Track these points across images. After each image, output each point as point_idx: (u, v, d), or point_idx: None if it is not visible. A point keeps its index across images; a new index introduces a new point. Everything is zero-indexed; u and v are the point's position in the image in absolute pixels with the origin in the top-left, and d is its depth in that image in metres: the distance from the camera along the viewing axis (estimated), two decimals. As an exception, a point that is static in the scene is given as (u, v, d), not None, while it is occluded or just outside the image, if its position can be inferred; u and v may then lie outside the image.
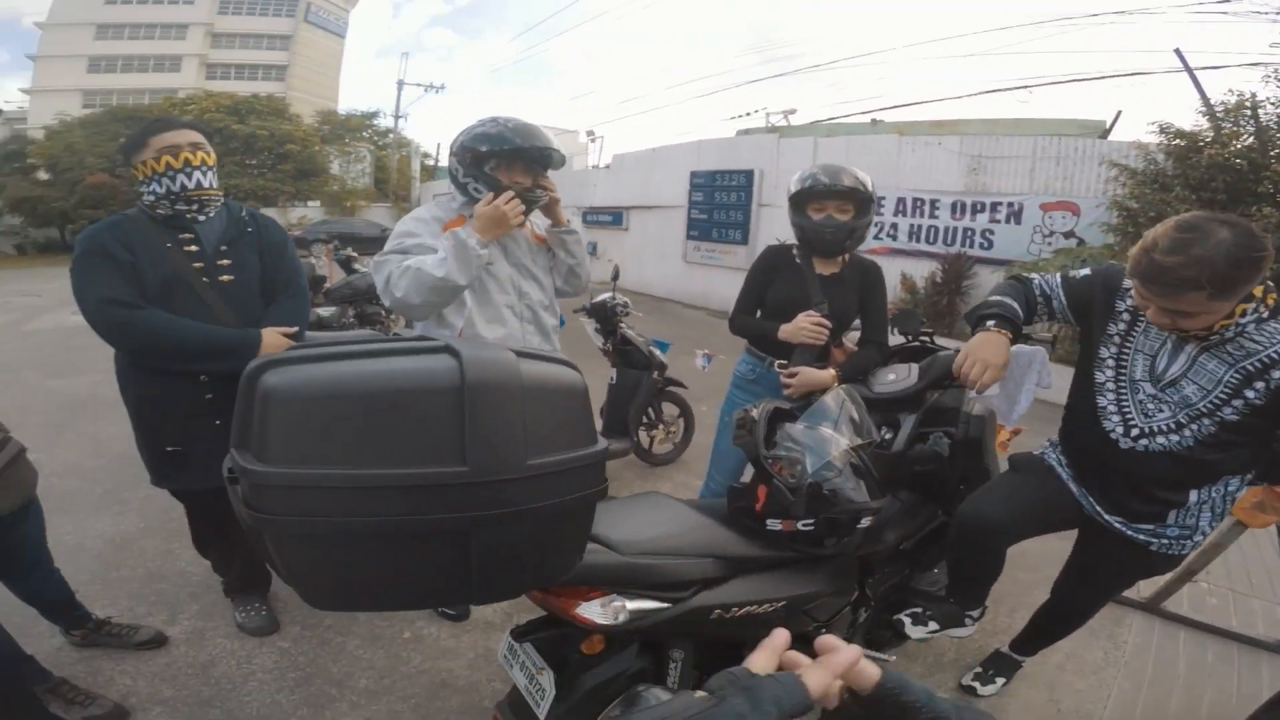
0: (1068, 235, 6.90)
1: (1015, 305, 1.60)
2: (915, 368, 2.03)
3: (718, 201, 10.91)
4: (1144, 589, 2.55)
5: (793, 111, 13.47)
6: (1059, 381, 1.73)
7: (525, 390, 0.84)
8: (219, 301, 1.84)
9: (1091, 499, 1.65)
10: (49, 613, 1.98)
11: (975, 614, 2.01)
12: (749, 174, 10.35)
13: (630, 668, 1.39)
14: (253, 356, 1.77)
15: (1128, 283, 1.49)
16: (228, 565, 2.22)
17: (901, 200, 8.38)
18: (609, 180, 13.81)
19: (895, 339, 2.29)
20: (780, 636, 0.61)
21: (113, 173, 16.30)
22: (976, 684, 2.06)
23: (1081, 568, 1.81)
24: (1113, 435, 1.52)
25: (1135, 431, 1.49)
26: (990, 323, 1.57)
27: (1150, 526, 1.57)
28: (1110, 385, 1.54)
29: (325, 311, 5.00)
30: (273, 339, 1.86)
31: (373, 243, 12.17)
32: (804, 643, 1.63)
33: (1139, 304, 1.41)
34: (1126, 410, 1.51)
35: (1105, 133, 7.58)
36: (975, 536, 1.73)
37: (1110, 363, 1.54)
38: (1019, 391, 1.86)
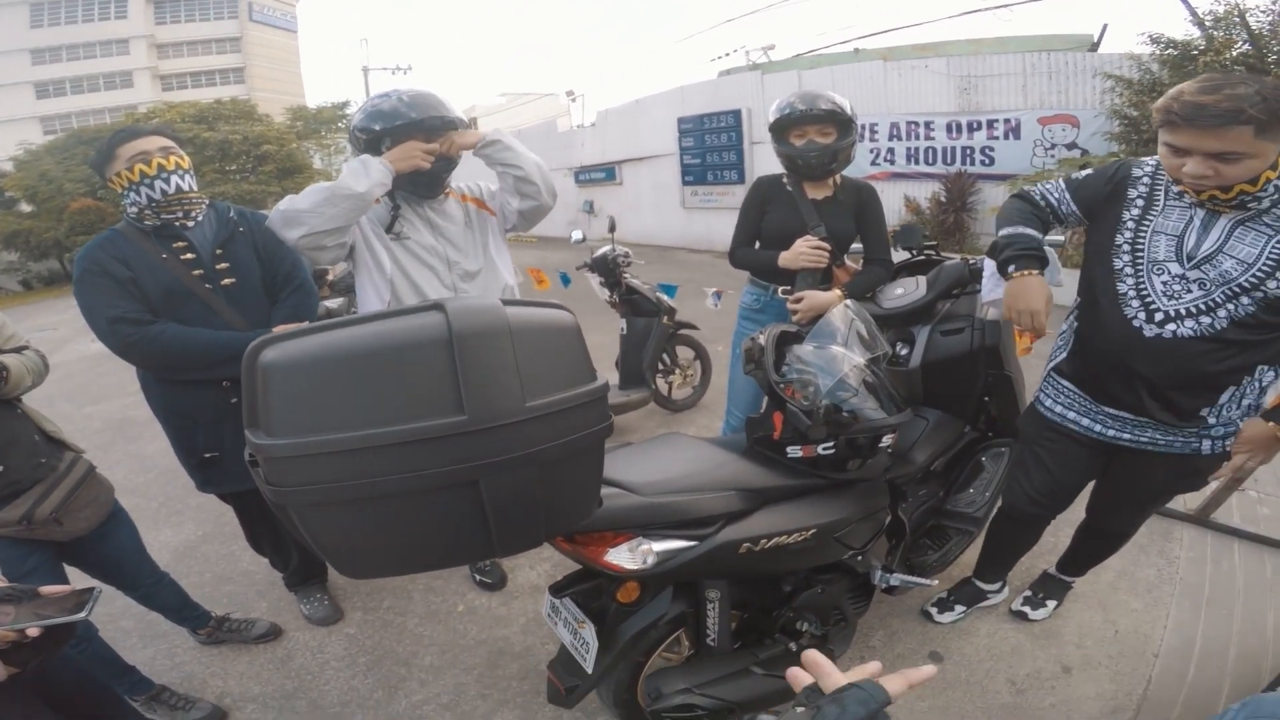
0: (1070, 147, 6.93)
1: (1029, 232, 1.54)
2: (923, 280, 2.00)
3: (709, 144, 10.78)
4: (1190, 501, 2.46)
5: (771, 47, 13.47)
6: (1072, 284, 1.67)
7: (515, 334, 0.83)
8: (225, 306, 1.82)
9: (1114, 425, 1.57)
10: (170, 615, 2.05)
11: (996, 586, 2.08)
12: (736, 114, 10.20)
13: (668, 612, 1.40)
14: None
15: (1138, 171, 1.48)
16: (285, 560, 2.27)
17: (895, 125, 8.31)
18: (596, 137, 13.59)
19: (899, 256, 2.24)
20: (815, 659, 0.63)
21: (95, 195, 16.15)
22: (1027, 609, 2.03)
23: (1113, 487, 1.74)
24: (1135, 323, 1.43)
25: (1160, 316, 1.40)
26: (1011, 268, 1.51)
27: (1192, 428, 1.48)
28: (1129, 270, 1.45)
29: (333, 303, 5.02)
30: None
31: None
32: (844, 572, 1.63)
33: (1171, 166, 1.33)
34: (1146, 294, 1.42)
35: (1094, 46, 7.52)
36: (1018, 525, 1.88)
37: (1126, 248, 1.46)
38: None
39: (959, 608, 2.06)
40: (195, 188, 1.82)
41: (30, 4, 29.41)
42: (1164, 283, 1.40)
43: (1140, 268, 1.44)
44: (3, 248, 17.89)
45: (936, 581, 2.05)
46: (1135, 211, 1.46)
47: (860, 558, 1.64)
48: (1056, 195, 1.61)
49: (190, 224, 1.81)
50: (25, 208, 17.75)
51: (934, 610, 2.06)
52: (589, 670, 1.36)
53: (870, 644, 1.97)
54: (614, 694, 1.48)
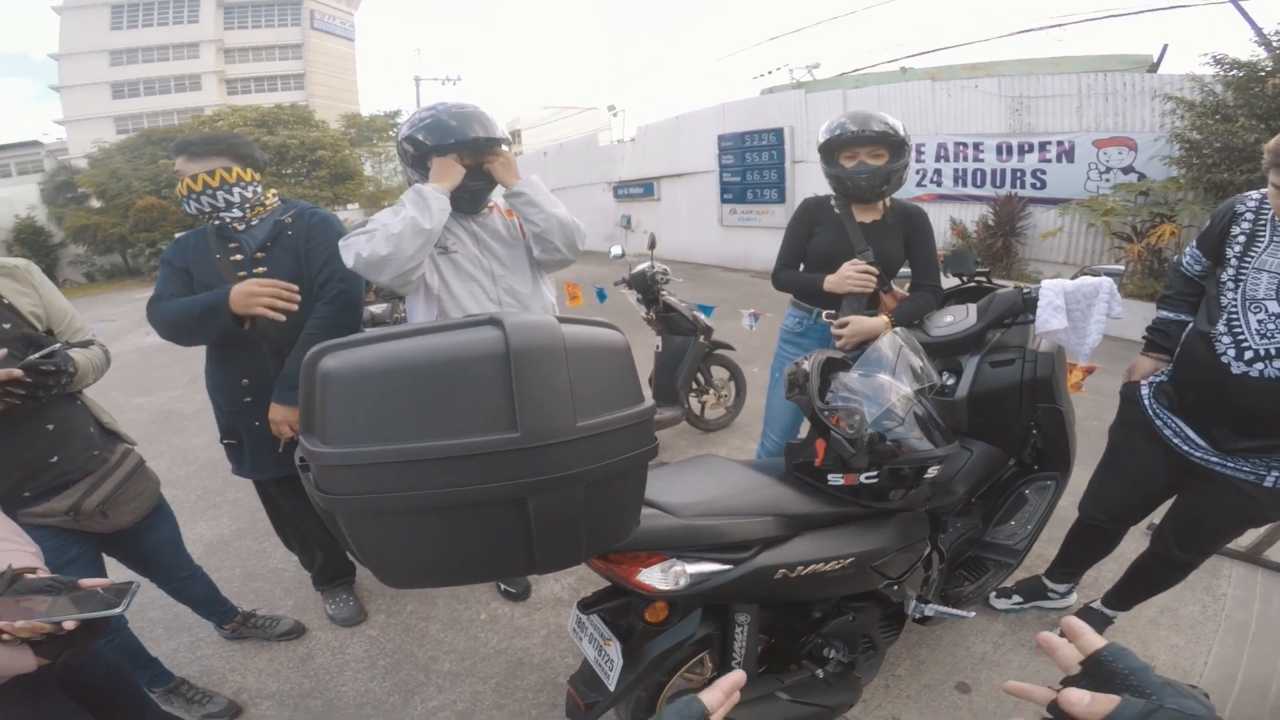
0: (1126, 170, 6.67)
1: (1172, 316, 1.75)
2: (973, 308, 1.94)
3: (749, 163, 10.72)
4: (1241, 538, 2.36)
5: (817, 66, 13.28)
6: (1131, 316, 1.65)
7: (569, 352, 0.83)
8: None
9: (1190, 439, 1.56)
10: (199, 609, 2.10)
11: (1062, 589, 2.09)
12: (778, 132, 10.13)
13: (694, 634, 1.38)
14: (224, 312, 1.71)
15: (1241, 207, 1.49)
16: (311, 559, 2.32)
17: (942, 145, 8.17)
18: (635, 152, 13.70)
19: (949, 282, 2.19)
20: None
21: (159, 194, 16.98)
22: None
23: (1187, 517, 1.72)
24: (1224, 359, 1.43)
25: (1250, 354, 1.38)
26: (1143, 345, 1.80)
27: (1264, 458, 1.46)
28: (1224, 307, 1.45)
29: (377, 309, 5.13)
30: (245, 287, 1.73)
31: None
32: (877, 601, 1.60)
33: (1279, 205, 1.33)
34: (1239, 331, 1.41)
35: (1154, 66, 7.24)
36: (1093, 533, 1.95)
37: (1230, 285, 1.46)
38: (1088, 323, 1.74)
39: (1016, 598, 2.10)
40: (239, 199, 1.84)
41: (111, 6, 31.07)
42: (1259, 321, 1.38)
43: (1233, 306, 1.43)
44: (71, 241, 18.90)
45: (973, 613, 1.99)
46: (1238, 248, 1.47)
47: (896, 587, 1.60)
48: (1191, 256, 1.70)
49: (242, 227, 1.87)
50: (95, 203, 18.74)
51: (992, 595, 2.12)
52: (611, 687, 1.34)
53: (896, 673, 1.92)
54: (633, 713, 1.47)
